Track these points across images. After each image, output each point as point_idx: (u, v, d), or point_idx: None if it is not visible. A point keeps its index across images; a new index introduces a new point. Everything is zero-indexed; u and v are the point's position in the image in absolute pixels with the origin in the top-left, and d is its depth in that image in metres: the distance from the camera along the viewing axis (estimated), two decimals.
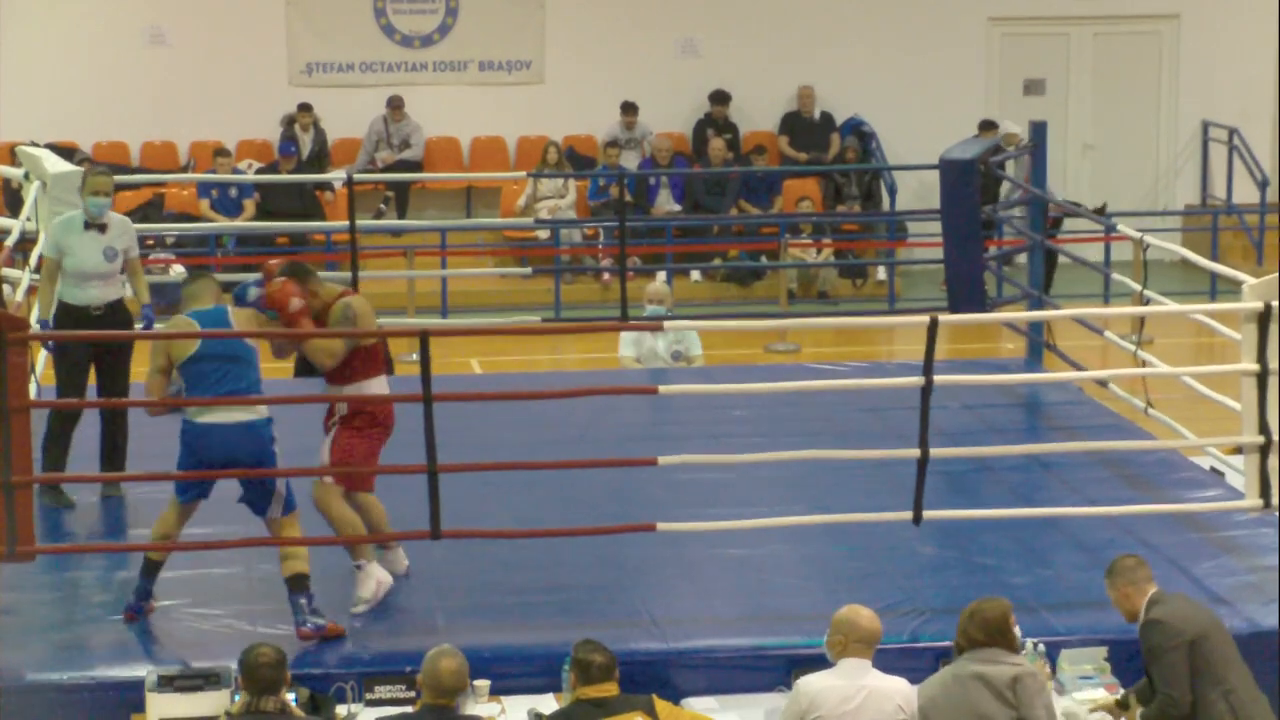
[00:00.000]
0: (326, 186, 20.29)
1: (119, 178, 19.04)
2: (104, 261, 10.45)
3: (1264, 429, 9.10)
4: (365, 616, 8.93)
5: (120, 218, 10.73)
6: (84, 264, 10.41)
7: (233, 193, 20.29)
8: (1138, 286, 12.16)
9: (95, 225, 10.45)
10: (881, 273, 20.86)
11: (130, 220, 10.82)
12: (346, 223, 14.23)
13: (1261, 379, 9.09)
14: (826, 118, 21.79)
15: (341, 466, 9.03)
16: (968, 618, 7.61)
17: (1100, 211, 19.78)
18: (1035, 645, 8.35)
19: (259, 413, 8.82)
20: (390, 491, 10.13)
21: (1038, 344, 13.41)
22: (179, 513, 8.89)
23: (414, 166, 20.97)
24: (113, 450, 10.72)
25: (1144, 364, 11.39)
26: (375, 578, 9.03)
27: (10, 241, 11.88)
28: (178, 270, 11.60)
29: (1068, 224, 19.90)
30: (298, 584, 8.71)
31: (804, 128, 21.73)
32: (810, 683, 7.58)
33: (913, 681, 7.72)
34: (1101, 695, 8.33)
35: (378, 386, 9.19)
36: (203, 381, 8.74)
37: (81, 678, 8.31)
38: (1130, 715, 8.07)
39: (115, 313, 10.56)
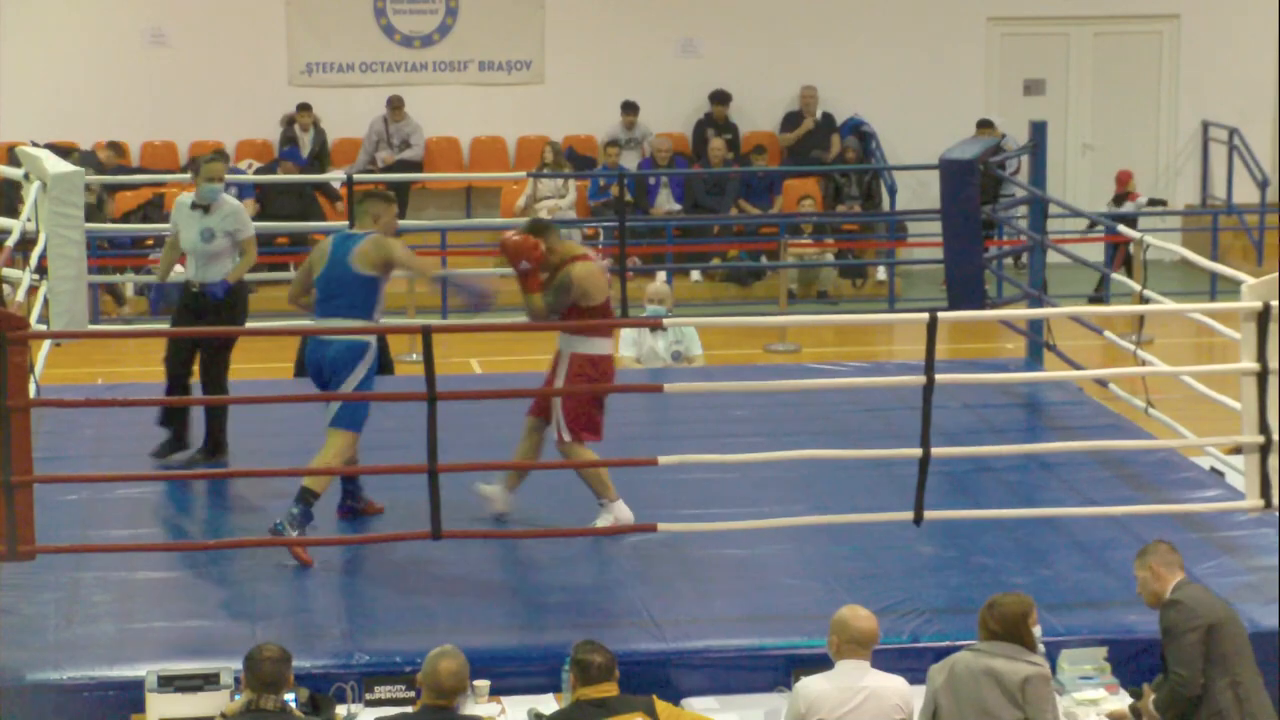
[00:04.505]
0: (326, 188, 20.27)
1: (119, 178, 19.29)
2: (200, 241, 11.09)
3: (1264, 429, 9.09)
4: (365, 616, 8.94)
5: (231, 201, 11.43)
6: (184, 242, 11.13)
7: (232, 193, 20.24)
8: (1137, 286, 12.15)
9: (200, 206, 11.12)
10: (881, 273, 20.85)
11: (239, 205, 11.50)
12: (346, 223, 14.19)
13: (1261, 379, 9.08)
14: (827, 118, 21.79)
15: (580, 418, 9.95)
16: (987, 609, 7.60)
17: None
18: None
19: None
20: (391, 491, 10.15)
21: (1037, 344, 13.40)
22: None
23: (414, 166, 20.96)
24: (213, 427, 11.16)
25: (1144, 364, 11.37)
26: (615, 514, 9.85)
27: (10, 242, 11.87)
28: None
29: (1067, 224, 19.90)
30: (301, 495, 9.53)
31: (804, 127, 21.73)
32: (809, 685, 7.57)
33: (912, 682, 7.72)
34: (1101, 695, 8.33)
35: (601, 346, 9.97)
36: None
37: (81, 678, 8.30)
38: (1144, 704, 8.09)
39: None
